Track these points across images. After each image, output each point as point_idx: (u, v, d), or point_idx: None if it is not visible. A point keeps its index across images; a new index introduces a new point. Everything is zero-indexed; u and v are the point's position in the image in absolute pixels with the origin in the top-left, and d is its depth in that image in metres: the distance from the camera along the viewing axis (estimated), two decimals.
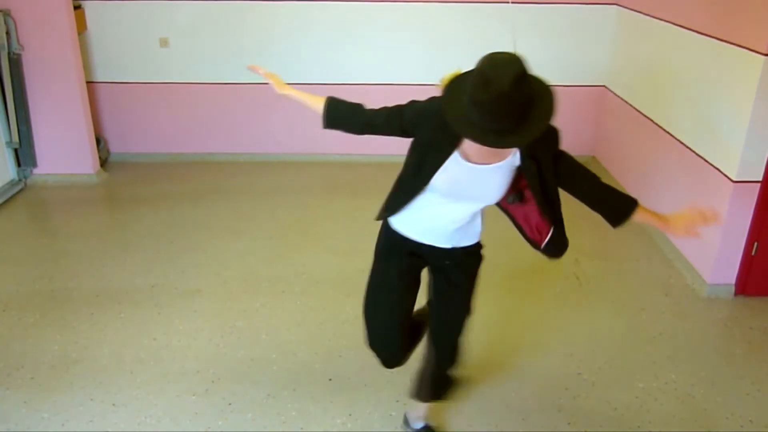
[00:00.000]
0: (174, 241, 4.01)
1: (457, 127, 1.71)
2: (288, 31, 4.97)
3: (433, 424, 2.53)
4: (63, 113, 4.67)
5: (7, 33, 4.36)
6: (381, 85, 5.03)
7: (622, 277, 3.69)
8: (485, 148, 1.77)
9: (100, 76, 5.13)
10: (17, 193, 4.69)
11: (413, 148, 1.98)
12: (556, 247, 2.17)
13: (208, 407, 2.66)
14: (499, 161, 1.89)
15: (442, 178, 1.90)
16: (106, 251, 3.87)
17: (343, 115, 2.11)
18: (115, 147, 5.38)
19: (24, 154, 4.71)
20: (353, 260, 3.80)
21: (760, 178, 3.24)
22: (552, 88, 1.78)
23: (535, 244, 2.19)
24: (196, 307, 3.34)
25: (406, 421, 2.58)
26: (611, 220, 2.10)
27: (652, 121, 4.24)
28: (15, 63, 4.45)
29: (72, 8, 4.50)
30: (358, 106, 2.07)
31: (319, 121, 2.15)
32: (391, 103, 2.03)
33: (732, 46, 3.27)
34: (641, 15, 4.45)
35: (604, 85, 5.17)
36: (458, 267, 2.18)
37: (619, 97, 4.86)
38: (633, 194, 4.59)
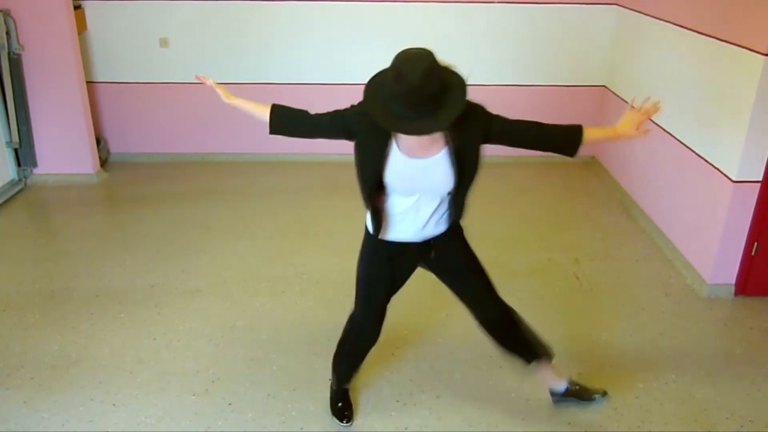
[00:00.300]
0: (174, 241, 4.01)
1: (380, 121, 1.87)
2: (288, 31, 4.97)
3: (571, 379, 2.58)
4: (63, 113, 4.67)
5: (7, 33, 4.36)
6: None
7: (622, 277, 3.69)
8: (418, 141, 1.96)
9: (100, 76, 5.13)
10: (17, 193, 4.69)
11: (355, 152, 2.13)
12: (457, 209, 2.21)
13: (208, 407, 2.66)
14: (436, 153, 2.02)
15: (392, 176, 2.05)
16: (106, 251, 3.87)
17: (288, 119, 2.24)
18: (115, 147, 5.38)
19: (24, 154, 4.71)
20: (353, 260, 3.78)
21: (760, 178, 3.24)
22: (462, 75, 1.92)
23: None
24: (196, 307, 3.34)
25: (553, 393, 2.60)
26: (566, 151, 2.17)
27: (652, 121, 4.23)
28: (15, 63, 4.45)
29: (72, 8, 4.50)
30: (302, 111, 2.20)
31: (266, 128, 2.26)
32: None
33: (732, 46, 3.27)
34: (641, 15, 4.45)
35: (604, 85, 5.17)
36: (444, 254, 2.29)
37: (619, 97, 4.86)
38: (633, 193, 4.59)
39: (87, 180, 4.86)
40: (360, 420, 2.61)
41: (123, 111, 5.25)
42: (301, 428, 2.57)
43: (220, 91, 2.44)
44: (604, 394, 2.53)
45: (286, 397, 2.72)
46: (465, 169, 2.05)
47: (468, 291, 2.43)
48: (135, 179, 4.99)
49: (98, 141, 5.07)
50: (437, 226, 2.21)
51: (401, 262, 2.31)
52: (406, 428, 2.58)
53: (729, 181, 3.30)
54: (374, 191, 2.12)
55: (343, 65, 5.05)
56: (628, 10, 4.70)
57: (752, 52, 3.09)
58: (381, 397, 2.72)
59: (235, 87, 5.32)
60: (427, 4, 4.87)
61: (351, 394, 2.68)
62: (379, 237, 2.20)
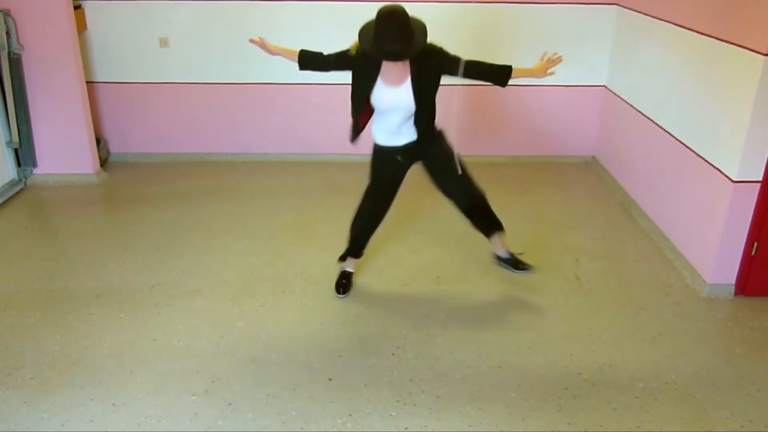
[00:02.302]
0: (174, 241, 4.01)
1: (372, 52, 2.77)
2: (288, 31, 4.97)
3: (512, 252, 3.42)
4: (63, 113, 4.67)
5: (7, 33, 4.36)
6: None
7: (622, 277, 3.69)
8: (394, 73, 2.86)
9: (100, 76, 5.13)
10: (17, 193, 4.69)
11: (352, 82, 2.99)
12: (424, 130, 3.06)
13: (208, 407, 2.66)
14: (404, 82, 2.88)
15: (376, 99, 2.93)
16: (106, 251, 3.88)
17: (310, 59, 3.06)
18: (115, 147, 5.39)
19: (24, 154, 4.71)
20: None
21: (760, 178, 3.24)
22: (424, 23, 2.81)
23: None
24: (196, 307, 3.34)
25: (496, 257, 3.45)
26: (499, 83, 3.04)
27: (652, 121, 4.24)
28: (15, 63, 4.45)
29: (72, 8, 4.50)
30: (319, 54, 3.04)
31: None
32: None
33: (732, 46, 3.27)
34: (641, 15, 4.45)
35: (604, 85, 5.18)
36: (431, 151, 3.12)
37: (619, 97, 4.86)
38: (633, 194, 4.60)
39: (87, 180, 4.86)
40: (360, 420, 2.61)
41: (123, 111, 5.25)
42: (301, 428, 2.57)
43: (267, 45, 3.09)
44: (532, 268, 3.40)
45: (286, 397, 2.72)
46: (423, 94, 2.91)
47: (447, 182, 3.17)
48: (135, 179, 4.99)
49: (98, 141, 5.07)
50: (409, 134, 3.04)
51: (398, 161, 3.12)
52: (406, 428, 2.58)
53: (729, 181, 3.30)
54: (361, 110, 3.01)
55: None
56: (628, 10, 4.70)
57: (752, 52, 3.09)
58: (381, 397, 2.73)
59: (235, 87, 5.37)
60: (427, 4, 4.87)
61: (354, 278, 3.54)
62: (353, 142, 3.12)
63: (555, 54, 3.05)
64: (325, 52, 3.02)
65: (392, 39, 2.70)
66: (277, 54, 3.08)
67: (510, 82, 3.04)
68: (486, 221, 3.32)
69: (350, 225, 3.39)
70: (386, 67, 2.88)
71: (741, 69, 3.19)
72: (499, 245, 3.41)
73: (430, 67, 2.88)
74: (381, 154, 3.13)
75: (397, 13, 2.70)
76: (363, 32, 2.82)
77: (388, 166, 3.14)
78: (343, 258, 3.51)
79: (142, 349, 3.01)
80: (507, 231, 4.30)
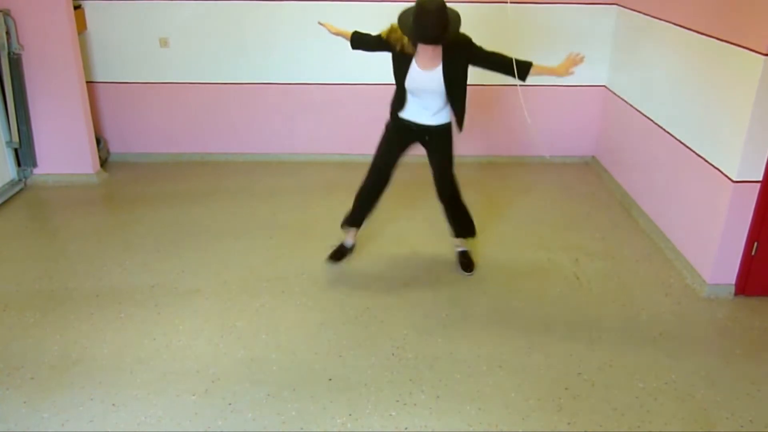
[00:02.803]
0: (174, 241, 4.01)
1: (411, 36, 3.02)
2: (288, 31, 4.98)
3: (467, 249, 3.78)
4: (63, 113, 4.67)
5: (7, 33, 4.36)
6: (381, 84, 5.01)
7: (622, 277, 3.69)
8: (428, 56, 3.12)
9: (100, 76, 5.13)
10: (17, 193, 4.69)
11: (392, 64, 3.25)
12: (459, 119, 3.35)
13: (208, 407, 2.66)
14: (437, 67, 3.13)
15: (410, 79, 3.19)
16: (106, 251, 3.88)
17: (359, 39, 3.41)
18: (115, 147, 5.39)
19: (24, 154, 4.71)
20: (353, 260, 3.80)
21: (760, 178, 3.24)
22: (458, 13, 3.04)
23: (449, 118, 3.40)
24: (196, 307, 3.34)
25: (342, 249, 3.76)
26: (519, 77, 3.24)
27: (652, 121, 4.24)
28: (15, 63, 4.45)
29: (72, 8, 4.51)
30: (367, 35, 3.37)
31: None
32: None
33: (732, 46, 3.28)
34: (641, 15, 4.45)
35: (604, 85, 5.18)
36: (436, 140, 3.40)
37: (619, 97, 4.87)
38: (633, 194, 4.60)
39: (87, 180, 4.86)
40: (360, 420, 2.61)
41: (123, 111, 5.25)
42: (301, 428, 2.57)
43: (332, 28, 3.51)
44: (471, 271, 3.70)
45: (286, 397, 2.72)
46: (452, 80, 3.15)
47: (438, 170, 3.50)
48: (135, 179, 4.99)
49: (98, 141, 5.07)
50: (434, 118, 3.31)
51: (407, 135, 3.40)
52: (406, 428, 2.58)
53: (729, 181, 3.30)
54: (403, 88, 3.25)
55: (343, 65, 5.05)
56: (628, 10, 4.70)
57: (752, 52, 3.10)
58: (381, 397, 2.73)
59: (235, 87, 5.37)
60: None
61: (349, 254, 3.81)
62: (399, 114, 3.35)
63: (578, 54, 3.25)
64: (373, 34, 3.36)
65: (430, 24, 2.94)
66: (338, 35, 3.50)
67: (529, 79, 3.31)
68: (458, 220, 3.68)
69: (357, 190, 3.63)
70: (421, 51, 3.13)
71: (741, 69, 3.19)
72: (459, 245, 3.78)
73: (460, 56, 3.14)
74: (397, 125, 3.39)
75: (435, 1, 2.94)
76: (403, 17, 3.06)
77: (399, 139, 3.41)
78: (344, 223, 3.73)
79: (142, 349, 3.01)
80: (507, 231, 4.30)
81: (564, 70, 3.26)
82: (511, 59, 3.18)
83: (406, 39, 3.09)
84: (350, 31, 3.43)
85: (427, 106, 3.26)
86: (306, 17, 4.92)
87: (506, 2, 4.69)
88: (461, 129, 3.36)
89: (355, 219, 3.68)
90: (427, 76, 3.15)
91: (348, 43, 3.45)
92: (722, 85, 3.39)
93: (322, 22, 3.57)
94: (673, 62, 3.94)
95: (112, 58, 5.07)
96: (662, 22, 4.08)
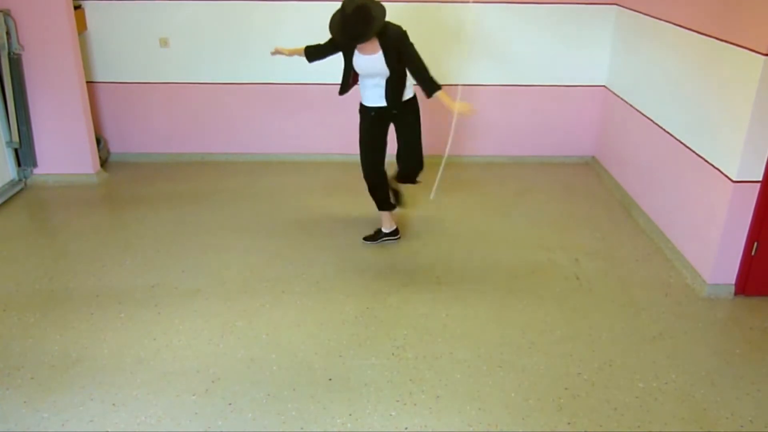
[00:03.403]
0: (174, 241, 4.01)
1: (337, 37, 3.43)
2: (288, 31, 4.97)
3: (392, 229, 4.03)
4: (63, 113, 4.67)
5: (7, 33, 4.36)
6: None
7: (622, 277, 3.69)
8: (367, 45, 3.45)
9: (100, 76, 5.13)
10: (17, 193, 4.69)
11: (343, 55, 3.59)
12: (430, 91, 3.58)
13: (208, 407, 2.66)
14: (377, 52, 3.46)
15: (356, 65, 3.55)
16: (106, 251, 3.88)
17: (313, 51, 3.73)
18: (115, 147, 5.39)
19: (24, 154, 4.71)
20: (353, 260, 3.80)
21: (760, 178, 3.24)
22: (382, 9, 3.39)
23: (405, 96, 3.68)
24: (196, 307, 3.34)
25: (378, 233, 4.02)
26: (426, 92, 3.54)
27: (652, 121, 4.24)
28: (15, 63, 4.45)
29: (72, 8, 4.51)
30: (317, 45, 3.70)
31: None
32: None
33: (732, 46, 3.28)
34: (641, 15, 4.45)
35: (604, 85, 5.18)
36: (404, 115, 3.67)
37: (619, 97, 4.87)
38: (633, 193, 4.60)
39: (87, 180, 4.86)
40: (360, 420, 2.61)
41: (123, 111, 5.25)
42: (301, 428, 2.57)
43: (285, 51, 3.83)
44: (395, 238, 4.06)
45: (286, 397, 2.72)
46: (391, 63, 3.46)
47: (406, 145, 3.73)
48: (135, 179, 4.99)
49: (98, 141, 5.08)
50: (381, 99, 3.59)
51: (380, 119, 3.68)
52: (406, 428, 2.58)
53: (729, 181, 3.30)
54: (350, 73, 3.61)
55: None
56: (628, 10, 4.70)
57: (752, 52, 3.10)
58: (381, 397, 2.73)
59: (234, 87, 5.37)
60: (426, 4, 4.87)
61: (394, 238, 4.06)
62: (341, 94, 3.70)
63: (474, 110, 3.54)
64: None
65: (351, 24, 3.31)
66: (293, 55, 3.80)
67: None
68: (399, 194, 4.01)
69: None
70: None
71: (741, 69, 3.19)
72: (387, 219, 4.02)
73: (391, 42, 3.46)
74: (366, 112, 3.70)
75: (354, 2, 3.29)
76: (332, 20, 3.43)
77: (373, 124, 3.70)
78: (380, 208, 3.99)
79: (142, 349, 3.01)
80: (507, 231, 4.30)
81: (456, 109, 3.48)
82: (426, 75, 3.50)
83: None
84: (302, 47, 3.75)
85: (376, 88, 3.58)
86: (306, 17, 4.92)
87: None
88: (398, 104, 3.61)
89: (382, 204, 3.93)
90: (370, 60, 3.49)
91: (304, 59, 3.76)
92: (722, 85, 3.39)
93: (275, 50, 3.83)
94: (673, 62, 3.94)
95: (112, 58, 5.07)
96: (662, 22, 4.08)
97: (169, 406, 2.66)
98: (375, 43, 3.45)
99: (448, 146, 3.92)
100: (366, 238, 4.00)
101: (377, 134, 3.71)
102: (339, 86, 3.68)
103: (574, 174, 5.20)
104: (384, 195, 3.89)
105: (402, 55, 3.46)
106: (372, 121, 3.69)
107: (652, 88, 4.28)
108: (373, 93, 3.60)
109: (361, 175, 3.80)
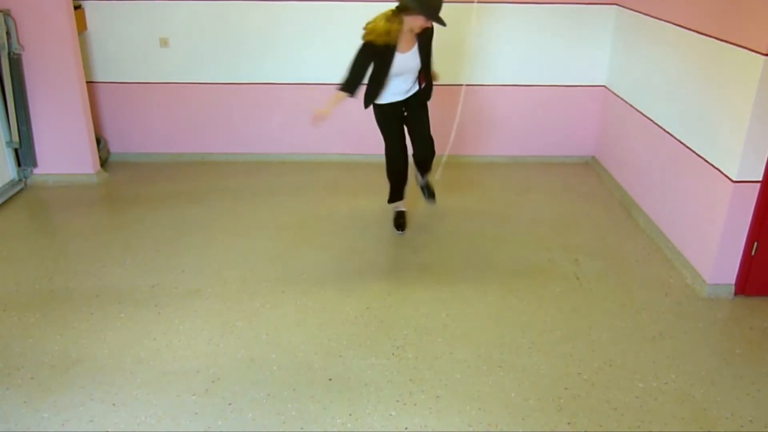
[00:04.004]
0: (174, 241, 4.01)
1: (430, 15, 3.36)
2: (288, 31, 4.98)
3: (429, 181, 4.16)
4: (63, 113, 4.67)
5: (7, 33, 4.36)
6: None
7: (622, 277, 3.69)
8: (407, 40, 3.52)
9: (100, 76, 5.13)
10: (17, 193, 4.69)
11: (374, 64, 3.54)
12: (429, 89, 3.83)
13: (208, 407, 2.66)
14: (412, 48, 3.56)
15: (396, 67, 3.54)
16: (106, 251, 3.88)
17: (351, 82, 3.57)
18: (115, 147, 5.39)
19: (24, 154, 4.71)
20: (353, 260, 3.80)
21: (760, 178, 3.24)
22: None
23: (420, 86, 3.78)
24: (196, 307, 3.34)
25: (399, 215, 4.18)
26: (422, 82, 3.77)
27: (652, 121, 4.24)
28: (15, 63, 4.45)
29: (72, 8, 4.50)
30: (353, 69, 3.56)
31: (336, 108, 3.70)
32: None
33: (732, 46, 3.28)
34: (641, 15, 4.45)
35: (604, 85, 5.18)
36: (414, 102, 3.79)
37: (619, 97, 4.87)
38: (633, 193, 4.59)
39: (87, 180, 4.86)
40: (360, 420, 2.61)
41: (123, 111, 5.25)
42: (301, 428, 2.57)
43: (323, 112, 3.68)
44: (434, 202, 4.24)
45: (286, 397, 2.72)
46: (422, 55, 3.59)
47: (420, 128, 3.84)
48: (135, 179, 4.99)
49: (98, 141, 5.07)
50: (413, 88, 3.73)
51: (395, 110, 3.78)
52: (406, 428, 2.58)
53: (729, 181, 3.30)
54: (383, 81, 3.60)
55: (341, 65, 5.04)
56: (628, 10, 4.70)
57: (752, 52, 3.09)
58: (381, 397, 2.73)
59: (235, 87, 5.37)
60: None
61: (405, 215, 4.22)
62: (377, 102, 3.71)
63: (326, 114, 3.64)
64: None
65: (440, 5, 3.35)
66: (337, 103, 3.63)
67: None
68: (427, 167, 4.07)
69: (386, 173, 4.01)
70: (402, 38, 3.49)
71: (741, 69, 3.19)
72: (421, 176, 4.14)
73: (428, 37, 3.59)
74: (384, 109, 3.76)
75: None
76: (408, 1, 3.37)
77: (392, 116, 3.78)
78: (391, 200, 4.14)
79: (142, 349, 3.01)
80: (507, 231, 4.31)
81: (320, 112, 3.68)
82: (429, 75, 3.73)
83: (394, 28, 3.39)
84: (339, 91, 3.57)
85: (403, 85, 3.66)
86: (306, 17, 4.93)
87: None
88: (430, 97, 3.82)
89: (398, 193, 4.09)
90: (407, 58, 3.54)
91: (350, 97, 3.61)
92: (722, 85, 3.39)
93: (316, 116, 3.67)
94: (673, 62, 3.94)
95: (112, 58, 5.07)
96: (662, 22, 4.08)
97: (169, 406, 2.66)
98: (413, 39, 3.53)
99: (456, 123, 4.08)
100: (398, 227, 4.14)
101: (398, 124, 3.84)
102: (367, 98, 3.70)
103: (574, 174, 5.20)
104: (404, 183, 4.07)
105: (425, 47, 3.58)
106: (391, 115, 3.78)
107: (652, 88, 4.28)
108: (397, 89, 3.67)
109: (385, 172, 3.98)
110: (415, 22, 3.42)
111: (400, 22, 3.42)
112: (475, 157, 5.38)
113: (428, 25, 3.46)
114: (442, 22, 3.37)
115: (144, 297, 3.41)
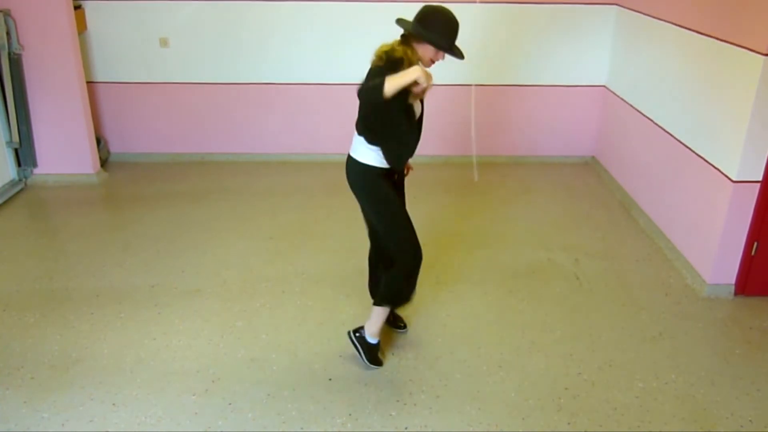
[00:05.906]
0: (174, 241, 4.01)
1: (455, 53, 2.61)
2: (288, 31, 4.98)
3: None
4: (63, 113, 4.67)
5: (7, 33, 4.36)
6: None
7: (622, 277, 3.69)
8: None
9: (100, 76, 5.13)
10: (17, 193, 4.69)
11: (396, 116, 2.63)
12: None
13: (208, 407, 2.66)
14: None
15: (413, 115, 2.69)
16: (106, 251, 3.88)
17: (403, 138, 2.73)
18: (115, 147, 5.39)
19: (24, 154, 4.71)
20: (353, 260, 3.80)
21: (760, 178, 3.24)
22: None
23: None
24: (196, 307, 3.34)
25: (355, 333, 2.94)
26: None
27: (652, 121, 4.24)
28: (15, 63, 4.45)
29: (72, 8, 4.51)
30: (375, 84, 2.49)
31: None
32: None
33: (732, 46, 3.28)
34: (641, 15, 4.45)
35: (604, 85, 5.18)
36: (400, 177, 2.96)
37: (619, 97, 4.87)
38: (633, 193, 4.59)
39: (87, 180, 4.86)
40: (360, 420, 2.61)
41: (123, 111, 5.25)
42: (301, 428, 2.57)
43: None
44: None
45: (286, 397, 2.72)
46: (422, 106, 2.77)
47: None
48: (135, 179, 4.99)
49: (98, 141, 5.07)
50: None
51: (394, 182, 2.88)
52: (406, 428, 2.58)
53: (729, 180, 3.30)
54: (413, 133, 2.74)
55: (341, 65, 5.05)
56: (628, 10, 4.70)
57: (752, 52, 3.10)
58: (381, 397, 2.73)
59: (234, 87, 5.37)
60: (425, 4, 4.87)
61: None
62: (386, 167, 2.75)
63: None
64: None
65: (456, 31, 2.62)
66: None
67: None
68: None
69: (402, 279, 2.93)
70: None
71: (741, 69, 3.19)
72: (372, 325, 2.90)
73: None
74: (383, 177, 2.78)
75: (444, 6, 2.66)
76: (428, 33, 2.57)
77: (387, 187, 2.80)
78: (397, 305, 2.98)
79: (142, 349, 3.01)
80: (506, 231, 4.29)
81: None
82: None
83: (415, 59, 2.58)
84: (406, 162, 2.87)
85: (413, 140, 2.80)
86: (305, 17, 4.93)
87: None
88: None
89: (409, 297, 2.97)
90: (417, 106, 2.70)
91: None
92: (722, 85, 3.39)
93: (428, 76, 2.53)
94: (673, 62, 3.94)
95: (112, 58, 5.07)
96: (662, 22, 4.08)
97: (169, 406, 2.66)
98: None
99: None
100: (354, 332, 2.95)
101: (401, 199, 2.94)
102: (398, 161, 2.74)
103: (574, 174, 5.20)
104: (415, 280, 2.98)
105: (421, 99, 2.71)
106: (392, 184, 2.84)
107: (652, 88, 4.28)
108: (410, 147, 2.79)
109: (411, 257, 2.94)
110: (424, 54, 2.60)
111: (414, 53, 2.60)
112: (475, 157, 5.38)
113: (440, 57, 2.64)
114: (459, 54, 2.61)
115: (144, 297, 3.41)
